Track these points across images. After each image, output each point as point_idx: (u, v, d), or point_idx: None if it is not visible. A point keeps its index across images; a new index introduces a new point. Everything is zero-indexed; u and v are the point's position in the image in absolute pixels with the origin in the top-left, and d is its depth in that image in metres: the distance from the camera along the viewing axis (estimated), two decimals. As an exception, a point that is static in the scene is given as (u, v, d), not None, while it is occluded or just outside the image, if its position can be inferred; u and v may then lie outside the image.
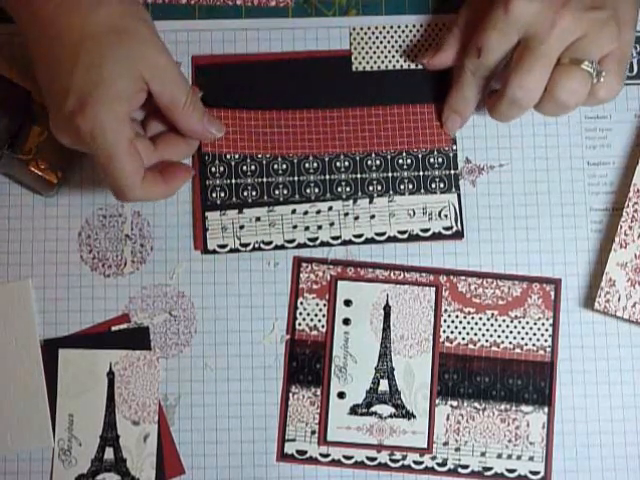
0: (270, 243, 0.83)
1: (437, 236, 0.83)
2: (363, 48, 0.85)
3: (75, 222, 0.83)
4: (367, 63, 0.85)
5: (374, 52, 0.85)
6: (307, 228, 0.83)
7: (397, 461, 0.80)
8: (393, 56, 0.85)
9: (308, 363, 0.81)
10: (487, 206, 0.84)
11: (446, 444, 0.81)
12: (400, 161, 0.84)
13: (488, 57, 0.76)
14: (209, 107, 0.83)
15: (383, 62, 0.85)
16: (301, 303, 0.82)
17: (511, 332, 0.82)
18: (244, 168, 0.83)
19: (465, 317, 0.82)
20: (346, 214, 0.83)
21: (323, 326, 0.82)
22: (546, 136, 0.84)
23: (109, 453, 0.80)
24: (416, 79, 0.85)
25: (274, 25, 0.85)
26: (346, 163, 0.83)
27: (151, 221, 0.83)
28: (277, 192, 0.83)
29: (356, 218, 0.83)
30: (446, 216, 0.83)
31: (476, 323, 0.82)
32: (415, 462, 0.80)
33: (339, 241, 0.83)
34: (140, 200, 0.74)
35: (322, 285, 0.82)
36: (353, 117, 0.84)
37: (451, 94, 0.82)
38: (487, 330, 0.82)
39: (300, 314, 0.82)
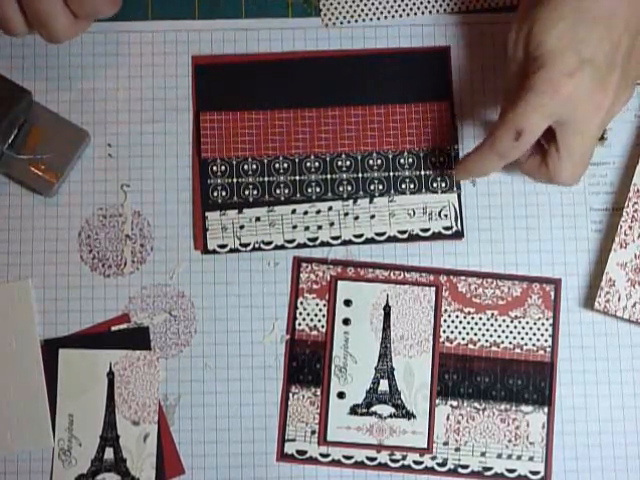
0: (270, 243, 0.83)
1: (437, 236, 0.83)
2: (332, 4, 0.85)
3: (75, 222, 0.83)
4: (337, 19, 0.85)
5: (342, 7, 0.85)
6: (307, 228, 0.83)
7: (397, 461, 0.80)
8: (362, 9, 0.85)
9: (308, 363, 0.81)
10: (487, 206, 0.84)
11: (446, 444, 0.81)
12: (402, 160, 0.84)
13: (528, 140, 0.72)
14: (210, 108, 0.84)
15: (352, 17, 0.85)
16: (301, 303, 0.82)
17: (511, 332, 0.81)
18: (245, 167, 0.83)
19: (465, 317, 0.82)
20: (346, 214, 0.83)
21: (323, 326, 0.82)
22: (546, 136, 0.84)
23: (109, 453, 0.80)
24: (417, 77, 0.85)
25: (274, 25, 0.85)
26: (347, 162, 0.84)
27: (151, 221, 0.83)
28: (278, 191, 0.83)
29: (356, 218, 0.83)
30: (446, 216, 0.83)
31: (476, 323, 0.82)
32: (415, 462, 0.80)
33: (339, 241, 0.83)
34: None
35: (322, 285, 0.82)
36: (355, 116, 0.84)
37: (469, 159, 0.77)
38: (487, 330, 0.82)
39: (300, 314, 0.82)
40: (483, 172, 0.78)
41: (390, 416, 0.81)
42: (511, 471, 0.80)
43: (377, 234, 0.83)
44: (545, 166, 0.75)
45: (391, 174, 0.83)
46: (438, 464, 0.80)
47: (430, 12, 0.86)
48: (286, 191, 0.83)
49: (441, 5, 0.85)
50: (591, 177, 0.84)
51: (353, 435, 0.81)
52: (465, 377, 0.81)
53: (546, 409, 0.81)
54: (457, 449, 0.80)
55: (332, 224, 0.83)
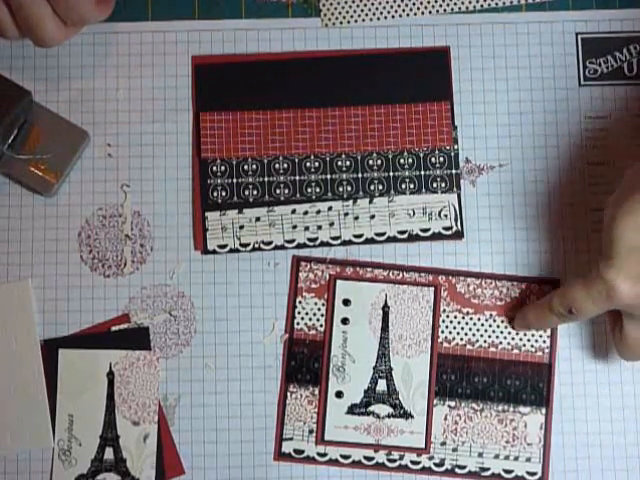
0: (270, 243, 0.83)
1: (437, 236, 0.83)
2: (332, 4, 0.85)
3: (75, 222, 0.83)
4: (337, 19, 0.85)
5: (342, 7, 0.85)
6: (307, 228, 0.83)
7: (394, 461, 0.80)
8: (362, 10, 0.85)
9: (306, 362, 0.81)
10: (487, 206, 0.83)
11: (444, 444, 0.81)
12: (401, 160, 0.84)
13: (580, 318, 0.73)
14: (210, 108, 0.84)
15: (352, 17, 0.85)
16: (300, 302, 0.82)
17: (509, 333, 0.81)
18: (245, 167, 0.83)
19: (463, 317, 0.82)
20: (346, 214, 0.83)
21: (322, 325, 0.82)
22: (546, 136, 0.84)
23: (109, 453, 0.80)
24: (417, 77, 0.84)
25: (274, 25, 0.86)
26: (347, 162, 0.84)
27: (151, 221, 0.83)
28: (278, 191, 0.83)
29: (356, 218, 0.83)
30: (446, 216, 0.83)
31: (474, 324, 0.82)
32: (412, 462, 0.80)
33: (339, 241, 0.83)
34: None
35: (321, 284, 0.82)
36: (354, 116, 0.84)
37: (529, 311, 0.79)
38: (485, 331, 0.81)
39: (299, 313, 0.82)
40: (541, 327, 0.80)
41: (388, 416, 0.81)
42: (508, 472, 0.80)
43: (377, 234, 0.83)
44: (612, 337, 0.76)
45: (391, 174, 0.83)
46: (435, 464, 0.80)
47: (430, 12, 0.85)
48: (286, 191, 0.83)
49: (441, 5, 0.85)
50: (591, 177, 0.84)
51: (351, 435, 0.81)
52: (463, 378, 0.81)
53: (544, 410, 0.81)
54: (454, 449, 0.80)
55: (332, 224, 0.83)
